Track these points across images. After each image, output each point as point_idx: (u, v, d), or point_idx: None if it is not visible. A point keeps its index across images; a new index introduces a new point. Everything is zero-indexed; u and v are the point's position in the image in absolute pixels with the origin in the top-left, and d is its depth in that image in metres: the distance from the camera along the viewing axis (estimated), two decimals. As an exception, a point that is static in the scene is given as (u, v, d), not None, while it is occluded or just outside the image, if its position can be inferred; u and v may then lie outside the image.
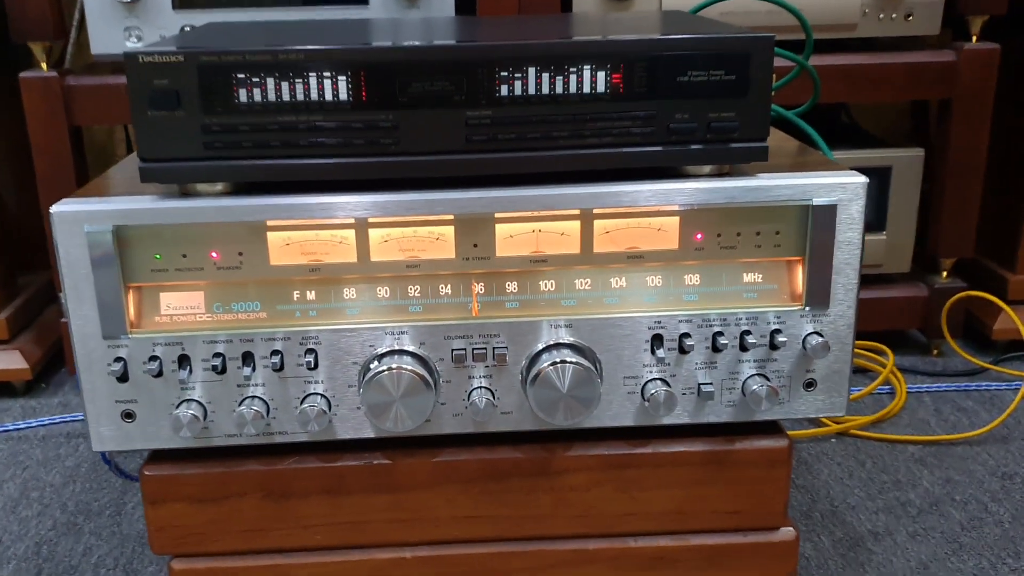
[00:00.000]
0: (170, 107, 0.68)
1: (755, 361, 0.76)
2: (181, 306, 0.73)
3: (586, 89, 0.70)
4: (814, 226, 0.73)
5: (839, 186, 0.73)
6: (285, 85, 0.68)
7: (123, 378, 0.73)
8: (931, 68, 1.34)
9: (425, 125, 0.70)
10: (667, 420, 0.77)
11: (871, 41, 1.40)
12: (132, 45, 1.27)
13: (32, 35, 1.27)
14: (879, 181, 1.39)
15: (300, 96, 0.69)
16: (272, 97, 0.69)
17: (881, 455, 1.21)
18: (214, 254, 0.72)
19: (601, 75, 0.70)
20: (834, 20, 1.32)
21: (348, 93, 0.69)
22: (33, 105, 1.26)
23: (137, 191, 0.73)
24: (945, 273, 1.46)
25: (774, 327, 0.76)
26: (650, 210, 0.73)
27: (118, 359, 0.73)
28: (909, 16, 1.31)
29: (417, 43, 0.69)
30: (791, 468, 0.81)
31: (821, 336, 0.75)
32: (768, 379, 0.76)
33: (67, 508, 1.12)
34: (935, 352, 1.50)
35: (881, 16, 1.31)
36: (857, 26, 1.33)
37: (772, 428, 0.81)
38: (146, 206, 0.70)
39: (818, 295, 0.75)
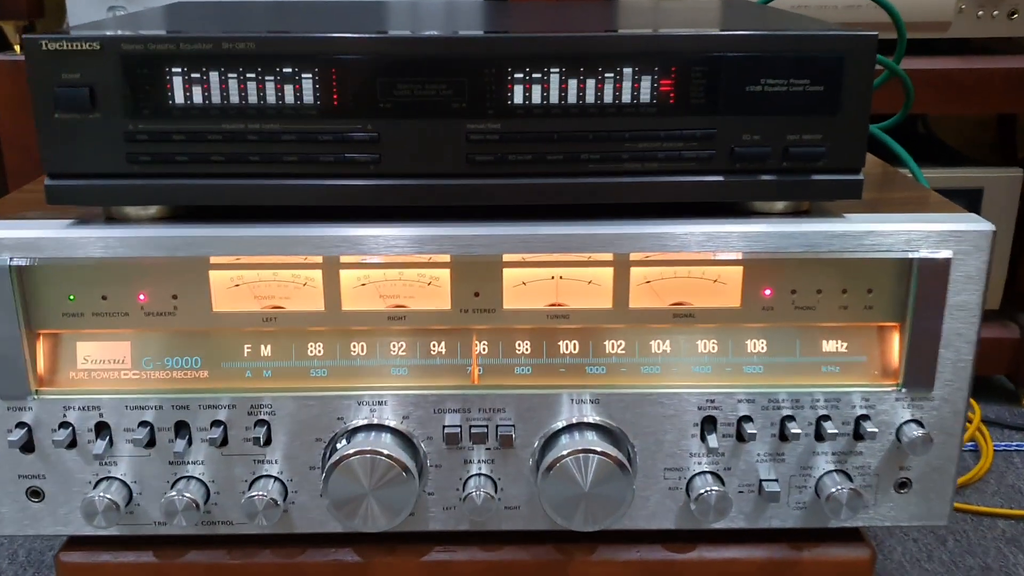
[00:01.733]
0: (83, 108, 0.52)
1: (834, 454, 0.59)
2: (101, 359, 0.58)
3: (626, 98, 0.53)
4: (919, 285, 0.56)
5: (955, 235, 0.55)
6: (233, 83, 0.52)
7: (27, 448, 0.58)
8: (1038, 76, 1.15)
9: (414, 139, 0.53)
10: (718, 525, 0.60)
11: (963, 43, 1.21)
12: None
13: (2, 12, 1.13)
14: (968, 205, 1.20)
15: (252, 98, 0.53)
16: (216, 98, 0.53)
17: (965, 531, 1.03)
18: (142, 296, 0.56)
19: (646, 81, 0.53)
20: (923, 18, 1.13)
21: (315, 95, 0.53)
22: (3, 92, 1.11)
23: (47, 215, 0.57)
24: (1040, 313, 1.27)
25: (860, 412, 0.58)
26: (705, 257, 0.56)
27: (20, 424, 0.57)
28: (1013, 14, 1.13)
29: (405, 32, 0.53)
30: (873, 585, 0.63)
31: (921, 426, 0.58)
32: (850, 478, 0.59)
33: (16, 558, 0.98)
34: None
35: (980, 14, 1.13)
36: (951, 25, 1.14)
37: (850, 534, 0.63)
38: (55, 234, 0.55)
39: (920, 373, 0.58)
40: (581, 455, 0.56)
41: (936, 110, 1.16)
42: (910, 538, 1.02)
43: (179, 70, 0.52)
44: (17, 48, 1.14)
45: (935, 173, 1.22)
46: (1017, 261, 1.27)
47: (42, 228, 0.55)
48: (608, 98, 0.53)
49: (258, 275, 0.56)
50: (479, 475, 0.59)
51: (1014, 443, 1.22)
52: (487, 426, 0.58)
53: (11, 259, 0.54)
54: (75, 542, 0.63)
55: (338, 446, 0.57)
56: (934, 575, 0.96)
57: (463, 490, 0.59)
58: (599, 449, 0.56)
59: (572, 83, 0.53)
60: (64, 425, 0.57)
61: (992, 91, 1.16)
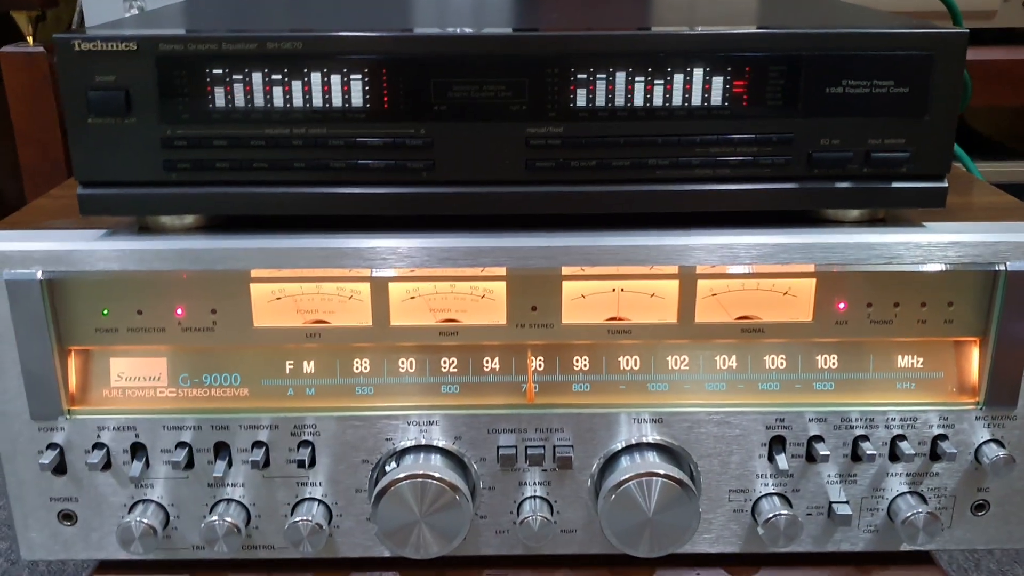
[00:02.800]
0: (118, 113, 0.49)
1: (909, 475, 0.56)
2: (136, 377, 0.55)
3: (696, 100, 0.50)
4: (1005, 298, 0.52)
5: (1046, 244, 0.52)
6: (277, 85, 0.49)
7: (59, 470, 0.55)
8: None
9: (469, 144, 0.50)
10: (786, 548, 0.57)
11: (1009, 32, 1.17)
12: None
13: (13, 2, 1.09)
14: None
15: (297, 101, 0.49)
16: (259, 101, 0.49)
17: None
18: (180, 311, 0.53)
19: (718, 81, 0.49)
20: (968, 7, 1.09)
21: (364, 98, 0.49)
22: (16, 85, 1.08)
23: (79, 224, 0.54)
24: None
25: (938, 431, 0.55)
26: (776, 270, 0.53)
27: (52, 446, 0.54)
28: (1062, 3, 1.09)
29: (460, 30, 0.49)
30: (943, 610, 0.60)
31: (1002, 446, 0.55)
32: (925, 500, 0.56)
33: (36, 568, 0.95)
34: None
35: (1027, 3, 1.09)
36: (996, 14, 1.10)
37: (921, 556, 0.60)
38: (87, 246, 0.51)
39: (1002, 390, 0.54)
40: (645, 479, 0.53)
41: (981, 102, 1.12)
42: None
43: (220, 72, 0.49)
44: (30, 39, 1.11)
45: (981, 168, 1.18)
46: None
47: (74, 240, 0.52)
48: (677, 100, 0.50)
49: (301, 288, 0.53)
50: (535, 498, 0.56)
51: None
52: (544, 447, 0.55)
53: (42, 272, 0.51)
54: (106, 567, 0.60)
55: (387, 469, 0.54)
56: (984, 585, 0.94)
57: (518, 514, 0.56)
58: (663, 472, 0.53)
59: (639, 84, 0.49)
60: (98, 446, 0.54)
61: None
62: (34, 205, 0.60)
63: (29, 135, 1.10)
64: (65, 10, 1.28)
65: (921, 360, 0.55)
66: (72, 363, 0.54)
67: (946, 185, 0.51)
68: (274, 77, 0.49)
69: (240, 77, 0.49)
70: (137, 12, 1.06)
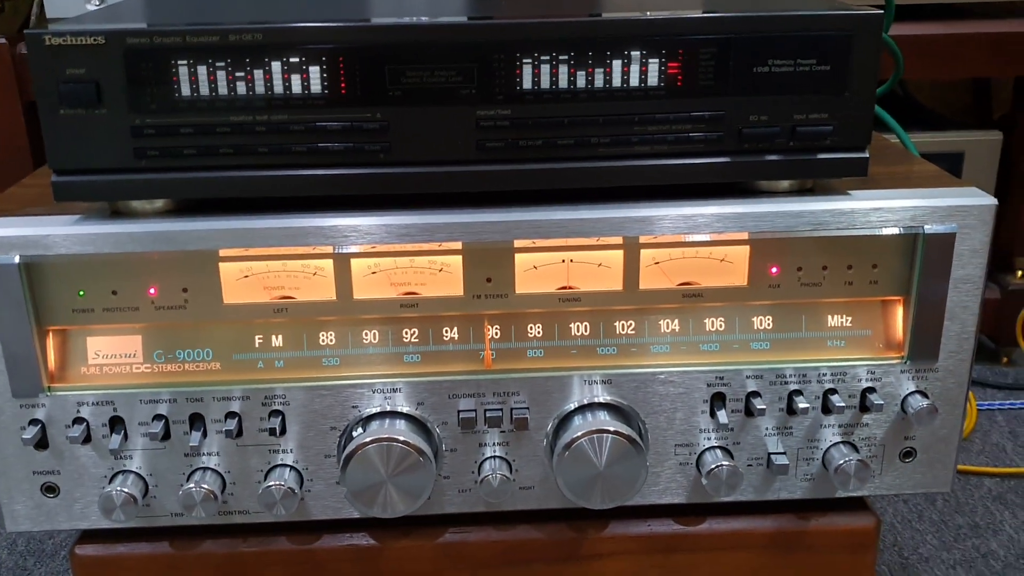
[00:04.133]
0: (89, 104, 0.52)
1: (841, 426, 0.60)
2: (113, 354, 0.57)
3: (634, 82, 0.53)
4: (925, 259, 0.57)
5: (960, 209, 0.56)
6: (240, 74, 0.52)
7: (41, 445, 0.58)
8: (1020, 40, 1.16)
9: (423, 127, 0.53)
10: (728, 498, 0.61)
11: (948, 7, 1.21)
12: (93, 8, 1.10)
13: (-25, -4, 1.10)
14: (949, 168, 1.21)
15: (260, 88, 0.52)
16: (223, 90, 0.52)
17: (954, 491, 1.05)
18: (152, 290, 0.56)
19: (654, 63, 0.53)
20: (905, -17, 1.13)
21: (323, 85, 0.52)
22: (-22, 77, 1.09)
23: (53, 210, 0.56)
24: (1021, 272, 1.29)
25: (866, 384, 0.59)
26: (713, 238, 0.57)
27: (34, 422, 0.57)
28: (994, -21, 1.13)
29: (414, 19, 0.53)
30: (877, 552, 0.65)
31: (926, 397, 0.59)
32: (857, 449, 0.60)
33: (15, 548, 0.98)
34: (1005, 360, 1.33)
35: (961, -22, 1.13)
36: (932, -10, 1.15)
37: (855, 503, 0.65)
38: (63, 231, 0.54)
39: (924, 345, 0.59)
40: (596, 435, 0.57)
41: (920, 75, 1.17)
42: (900, 499, 1.05)
43: (185, 62, 0.51)
44: (-8, 31, 1.12)
45: (916, 138, 1.23)
46: (998, 223, 1.29)
47: (50, 225, 0.54)
48: (616, 82, 0.53)
49: (268, 266, 0.56)
50: (494, 458, 0.59)
51: (996, 402, 1.25)
52: (501, 409, 0.59)
53: (20, 257, 0.54)
54: (89, 535, 0.63)
55: (354, 434, 0.57)
56: (925, 535, 0.99)
57: (479, 473, 0.59)
58: (613, 428, 0.57)
59: (581, 68, 0.53)
60: (78, 421, 0.57)
61: (973, 55, 1.17)
62: (7, 193, 0.62)
63: (-8, 125, 1.11)
64: (23, 0, 1.28)
65: (849, 319, 0.59)
66: (51, 343, 0.57)
67: (867, 155, 0.55)
68: (236, 67, 0.52)
69: (204, 68, 0.52)
70: (99, 3, 1.08)
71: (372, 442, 0.56)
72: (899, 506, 1.03)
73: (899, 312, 0.59)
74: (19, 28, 1.17)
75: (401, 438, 0.56)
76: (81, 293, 0.56)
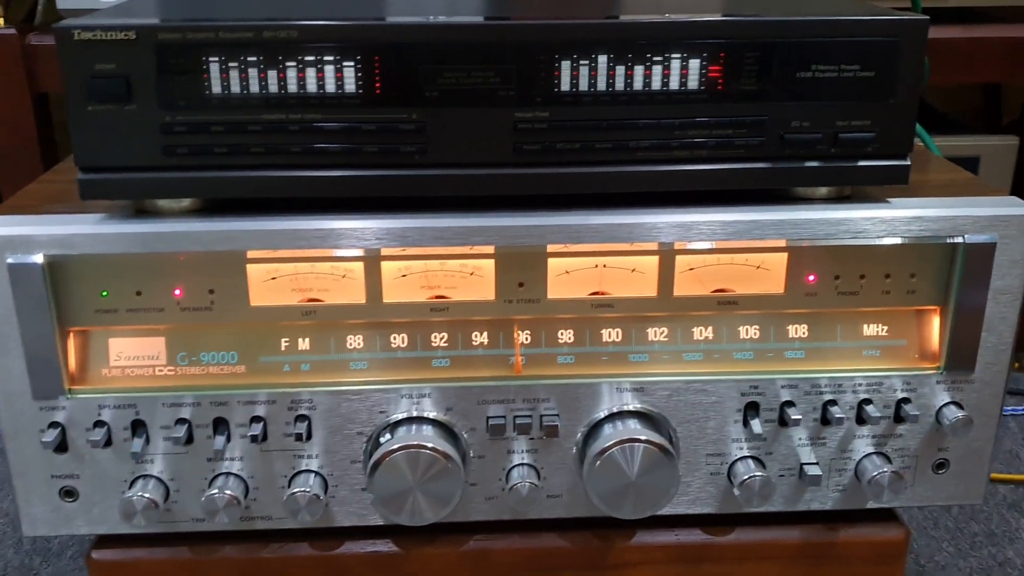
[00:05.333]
0: (119, 99, 0.50)
1: (874, 437, 0.59)
2: (135, 356, 0.56)
3: (674, 85, 0.52)
4: (964, 269, 0.56)
5: (1000, 219, 0.55)
6: (273, 72, 0.51)
7: (61, 448, 0.57)
8: (1034, 45, 1.15)
9: (460, 128, 0.52)
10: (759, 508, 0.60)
11: (965, 12, 1.21)
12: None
13: (-17, -15, 1.08)
14: (964, 174, 1.21)
15: (293, 87, 0.51)
16: (255, 88, 0.51)
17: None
18: (178, 291, 0.55)
19: (695, 66, 0.52)
20: (923, -14, 1.12)
21: (357, 84, 0.51)
22: (-14, 67, 1.07)
23: (77, 209, 0.55)
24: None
25: (901, 395, 0.58)
26: (750, 245, 0.56)
27: (54, 424, 0.56)
28: (1013, -17, 1.12)
29: (450, 18, 0.51)
30: (905, 564, 0.64)
31: (961, 408, 0.58)
32: (890, 460, 0.59)
33: (21, 547, 0.96)
34: (1017, 365, 1.33)
35: (980, -17, 1.12)
36: (951, -6, 1.14)
37: (884, 514, 0.64)
38: (88, 229, 0.53)
39: (961, 356, 0.58)
40: (628, 444, 0.56)
41: (936, 80, 1.16)
42: (915, 506, 1.04)
43: (217, 59, 0.50)
44: (1, 20, 1.10)
45: (937, 141, 1.22)
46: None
47: (74, 224, 0.53)
48: (656, 85, 0.52)
49: (296, 268, 0.55)
50: (523, 465, 0.58)
51: (1009, 408, 1.24)
52: (531, 416, 0.57)
53: (43, 256, 0.53)
54: (106, 539, 0.61)
55: (381, 440, 0.56)
56: (941, 542, 0.98)
57: (507, 481, 0.58)
58: (644, 438, 0.56)
59: (620, 70, 0.52)
60: (99, 424, 0.56)
61: (989, 60, 1.16)
62: (27, 190, 0.61)
63: (1, 118, 1.10)
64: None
65: (885, 328, 0.58)
66: (72, 343, 0.55)
67: (908, 163, 0.55)
68: (270, 64, 0.50)
69: (237, 64, 0.50)
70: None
71: (400, 448, 0.55)
72: (914, 513, 1.02)
73: (935, 322, 0.58)
74: (24, 18, 1.15)
75: (429, 444, 0.55)
76: (104, 293, 0.55)
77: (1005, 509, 1.03)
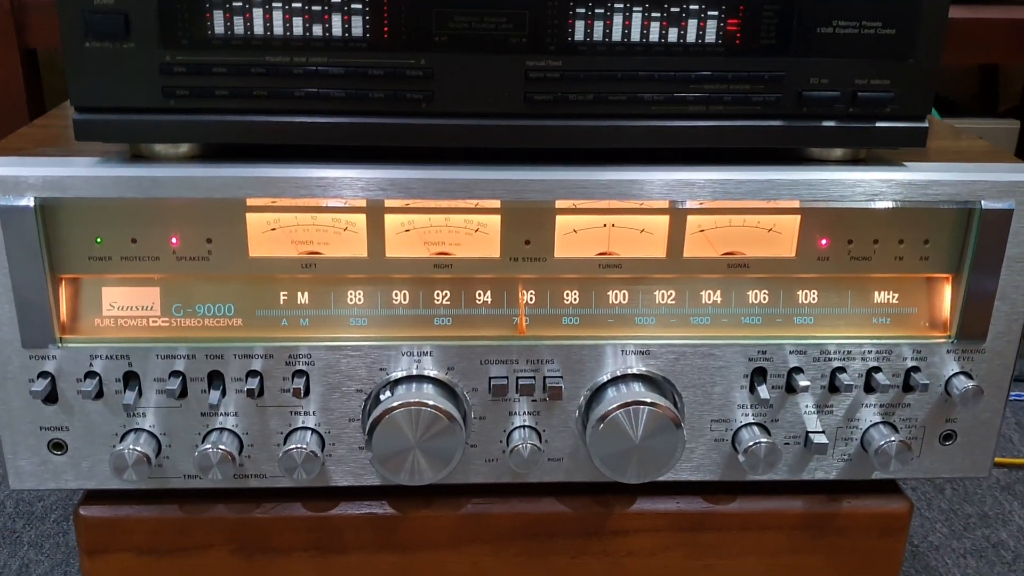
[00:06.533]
0: (117, 36, 0.49)
1: (882, 406, 0.58)
2: (129, 306, 0.55)
3: (691, 37, 0.51)
4: (980, 235, 0.55)
5: (1019, 186, 0.54)
6: (278, 13, 0.49)
7: (50, 399, 0.55)
8: (1038, 26, 1.14)
9: (469, 76, 0.51)
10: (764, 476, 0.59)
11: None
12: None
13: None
14: (964, 156, 1.20)
15: (298, 29, 0.49)
16: (259, 28, 0.49)
17: (962, 480, 1.04)
18: (174, 239, 0.53)
19: (713, 19, 0.50)
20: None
21: (364, 27, 0.49)
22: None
23: (72, 151, 0.53)
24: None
25: (911, 364, 0.57)
26: (763, 206, 0.54)
27: (43, 375, 0.54)
28: (1019, -37, 1.11)
29: (463, -38, 0.50)
30: (907, 537, 0.63)
31: (971, 378, 0.57)
32: (897, 430, 0.58)
33: (4, 509, 0.95)
34: None
35: (986, -38, 1.11)
36: (956, -28, 1.12)
37: (888, 486, 0.63)
38: (83, 172, 0.51)
39: (972, 325, 0.57)
40: (632, 407, 0.54)
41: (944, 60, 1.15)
42: (908, 486, 1.03)
43: (220, -3, 0.48)
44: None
45: (933, 123, 1.21)
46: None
47: (68, 166, 0.51)
48: (673, 37, 0.51)
49: (296, 219, 0.53)
50: (524, 427, 0.57)
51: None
52: (534, 377, 0.56)
53: (36, 199, 0.51)
54: (94, 496, 0.60)
55: (381, 398, 0.55)
56: (935, 523, 0.98)
57: (507, 443, 0.57)
58: (649, 400, 0.55)
59: (637, 19, 0.50)
60: (90, 375, 0.54)
61: (994, 41, 1.15)
62: (19, 133, 0.59)
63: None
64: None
65: (896, 296, 0.57)
66: (64, 291, 0.54)
67: (927, 125, 0.53)
68: (275, 4, 0.49)
69: (241, 3, 0.49)
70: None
71: (401, 406, 0.53)
72: (907, 493, 1.02)
73: (947, 290, 0.57)
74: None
75: (431, 403, 0.54)
76: (99, 240, 0.53)
77: (998, 492, 1.03)
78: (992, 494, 1.02)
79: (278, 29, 0.49)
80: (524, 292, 0.56)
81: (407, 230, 0.54)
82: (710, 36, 0.51)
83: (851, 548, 0.62)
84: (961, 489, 1.03)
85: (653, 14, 0.50)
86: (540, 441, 0.57)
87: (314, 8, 0.49)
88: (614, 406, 0.54)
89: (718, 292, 0.57)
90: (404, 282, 0.55)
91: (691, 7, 0.50)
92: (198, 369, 0.55)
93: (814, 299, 0.57)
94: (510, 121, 0.52)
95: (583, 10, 0.50)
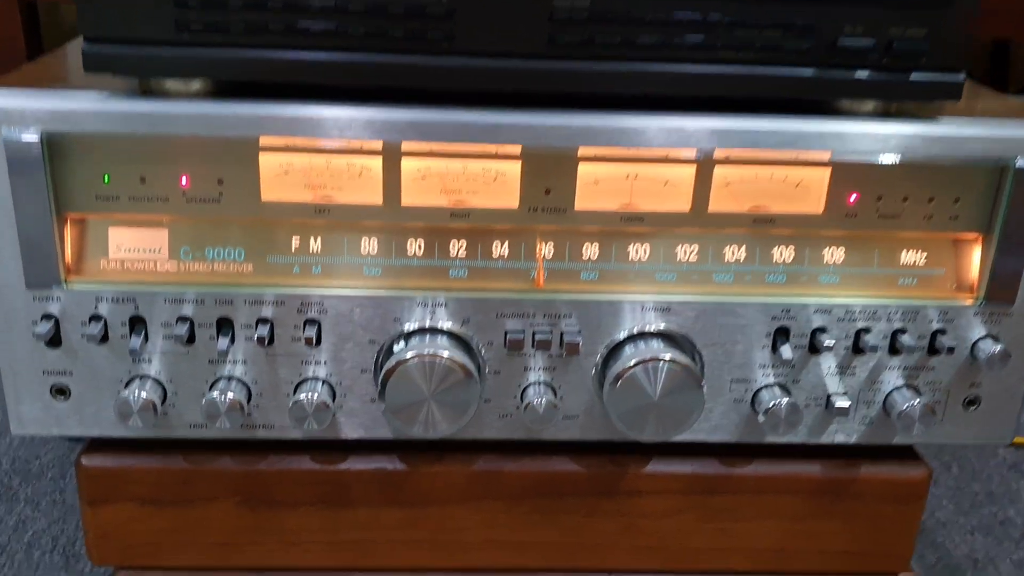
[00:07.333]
0: (128, -36, 0.47)
1: (906, 369, 0.57)
2: (136, 248, 0.53)
3: (724, -20, 0.49)
4: (1012, 194, 0.53)
5: (1055, 142, 0.53)
6: (297, -56, 0.47)
7: (54, 342, 0.53)
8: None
9: (491, 14, 0.49)
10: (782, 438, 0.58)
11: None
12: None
13: None
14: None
15: (317, -39, 0.47)
16: (277, -40, 0.47)
17: (968, 458, 1.03)
18: (184, 180, 0.52)
19: (747, -39, 0.49)
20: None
21: (386, -38, 0.48)
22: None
23: (81, 85, 0.51)
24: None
25: (937, 326, 0.56)
26: (792, 157, 0.53)
27: (47, 316, 0.53)
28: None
29: None
30: (925, 504, 0.62)
31: (998, 342, 0.56)
32: (920, 393, 0.57)
33: (0, 466, 0.93)
34: None
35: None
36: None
37: (906, 452, 0.62)
38: (91, 106, 0.49)
39: (1001, 287, 0.55)
40: (651, 363, 0.53)
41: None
42: (941, 443, 1.03)
43: (237, -75, 0.47)
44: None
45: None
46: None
47: (75, 99, 0.50)
48: (705, -21, 0.49)
49: (311, 161, 0.52)
50: (539, 383, 0.56)
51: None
52: (551, 333, 0.55)
53: (42, 132, 0.49)
54: (96, 445, 0.58)
55: (395, 349, 0.53)
56: (942, 500, 0.97)
57: (522, 398, 0.56)
58: (668, 357, 0.53)
59: (668, -40, 0.48)
60: (95, 318, 0.53)
61: (1005, 13, 1.14)
62: (27, 68, 0.57)
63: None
64: None
65: (924, 256, 0.56)
66: (69, 231, 0.52)
67: (963, 79, 0.52)
68: (294, -66, 0.47)
69: (258, -67, 0.47)
70: None
71: (415, 357, 0.52)
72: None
73: (976, 252, 0.56)
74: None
75: (446, 354, 0.52)
76: (106, 178, 0.51)
77: (1005, 470, 1.02)
78: (999, 472, 1.02)
79: (297, -39, 0.47)
80: (543, 244, 0.54)
81: (423, 177, 0.53)
82: (743, -21, 0.49)
83: (868, 513, 0.61)
84: (968, 467, 1.02)
85: (685, -46, 0.48)
86: (555, 397, 0.56)
87: (334, -60, 0.47)
88: (632, 362, 0.53)
89: (742, 248, 0.55)
90: (419, 231, 0.54)
91: (724, -51, 0.48)
92: (206, 315, 0.53)
93: (840, 258, 0.56)
94: (533, 63, 0.50)
95: (613, -51, 0.48)
